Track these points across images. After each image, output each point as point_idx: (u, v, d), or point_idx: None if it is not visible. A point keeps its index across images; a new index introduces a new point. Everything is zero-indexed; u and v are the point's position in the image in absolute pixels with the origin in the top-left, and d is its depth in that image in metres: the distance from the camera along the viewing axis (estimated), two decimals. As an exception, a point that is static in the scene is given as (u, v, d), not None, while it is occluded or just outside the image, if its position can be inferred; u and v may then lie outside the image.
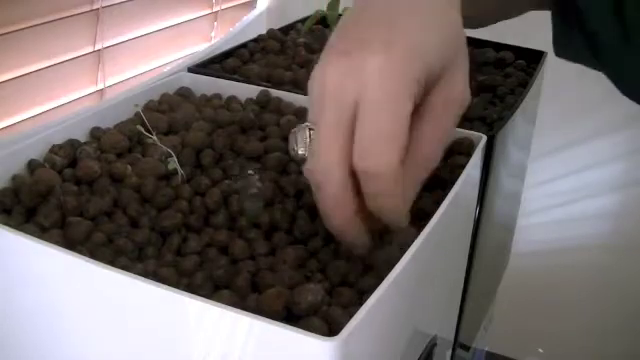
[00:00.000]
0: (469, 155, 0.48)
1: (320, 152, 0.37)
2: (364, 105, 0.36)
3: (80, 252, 0.36)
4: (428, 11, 0.39)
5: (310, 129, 0.40)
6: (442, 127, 0.39)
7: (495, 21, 0.58)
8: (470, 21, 0.46)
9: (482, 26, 0.60)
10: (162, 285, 0.33)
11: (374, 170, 0.36)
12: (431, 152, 0.39)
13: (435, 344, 0.46)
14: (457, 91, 0.39)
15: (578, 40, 0.51)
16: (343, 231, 0.38)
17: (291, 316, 0.35)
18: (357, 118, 0.36)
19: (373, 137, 0.36)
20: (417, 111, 0.38)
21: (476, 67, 0.70)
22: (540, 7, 0.56)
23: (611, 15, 0.48)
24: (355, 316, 0.31)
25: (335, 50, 0.38)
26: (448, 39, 0.39)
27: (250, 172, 0.47)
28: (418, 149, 0.38)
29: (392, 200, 0.37)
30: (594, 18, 0.49)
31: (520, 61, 0.71)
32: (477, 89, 0.65)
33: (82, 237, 0.40)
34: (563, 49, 0.55)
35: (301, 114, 0.55)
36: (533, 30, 0.64)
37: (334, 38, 0.39)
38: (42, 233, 0.40)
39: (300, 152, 0.41)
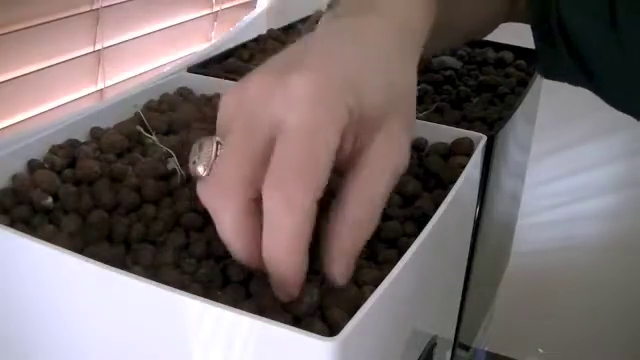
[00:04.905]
0: (469, 155, 0.48)
1: (220, 173, 0.32)
2: (283, 129, 0.31)
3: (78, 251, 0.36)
4: (378, 57, 0.35)
5: (219, 143, 0.34)
6: (373, 189, 0.33)
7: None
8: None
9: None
10: (162, 285, 0.33)
11: (275, 207, 0.30)
12: (359, 216, 0.33)
13: (435, 344, 0.46)
14: (394, 149, 0.34)
15: (567, 62, 0.48)
16: (250, 265, 0.33)
17: (292, 317, 0.35)
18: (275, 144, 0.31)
19: (284, 167, 0.30)
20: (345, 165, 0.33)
21: (476, 67, 0.70)
22: (509, 20, 0.53)
23: (606, 34, 0.44)
24: (355, 316, 0.31)
25: (261, 70, 0.34)
26: (395, 86, 0.35)
27: None
28: (346, 210, 0.33)
29: (283, 255, 0.31)
30: (586, 42, 0.46)
31: (520, 61, 0.71)
32: (477, 89, 0.65)
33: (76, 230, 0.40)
34: (551, 72, 0.52)
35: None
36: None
37: (265, 63, 0.35)
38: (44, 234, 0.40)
39: (199, 169, 0.34)
